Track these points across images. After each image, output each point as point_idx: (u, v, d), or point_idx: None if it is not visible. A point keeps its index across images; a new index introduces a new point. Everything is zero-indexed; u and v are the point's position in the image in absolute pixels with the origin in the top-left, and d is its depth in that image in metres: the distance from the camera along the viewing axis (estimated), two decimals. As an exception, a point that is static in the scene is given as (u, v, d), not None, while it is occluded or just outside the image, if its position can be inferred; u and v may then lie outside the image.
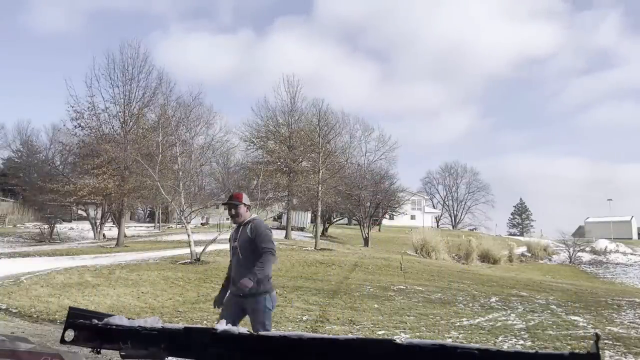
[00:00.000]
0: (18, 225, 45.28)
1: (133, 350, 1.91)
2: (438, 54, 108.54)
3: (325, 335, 1.90)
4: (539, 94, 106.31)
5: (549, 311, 10.09)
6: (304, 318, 8.54)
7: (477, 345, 1.53)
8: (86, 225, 41.05)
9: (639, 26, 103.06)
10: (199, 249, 17.18)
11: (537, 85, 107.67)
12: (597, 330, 7.91)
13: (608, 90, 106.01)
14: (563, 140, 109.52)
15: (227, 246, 18.52)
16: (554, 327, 8.31)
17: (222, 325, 1.93)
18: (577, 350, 1.57)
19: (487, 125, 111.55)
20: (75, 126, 28.75)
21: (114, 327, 1.90)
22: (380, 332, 7.50)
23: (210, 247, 18.01)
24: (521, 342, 7.05)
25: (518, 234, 72.08)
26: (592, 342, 1.29)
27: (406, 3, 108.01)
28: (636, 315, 9.87)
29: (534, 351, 1.56)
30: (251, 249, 4.27)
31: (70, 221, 48.16)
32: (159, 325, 1.92)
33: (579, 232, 57.89)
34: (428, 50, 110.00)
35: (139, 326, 1.88)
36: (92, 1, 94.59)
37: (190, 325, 1.90)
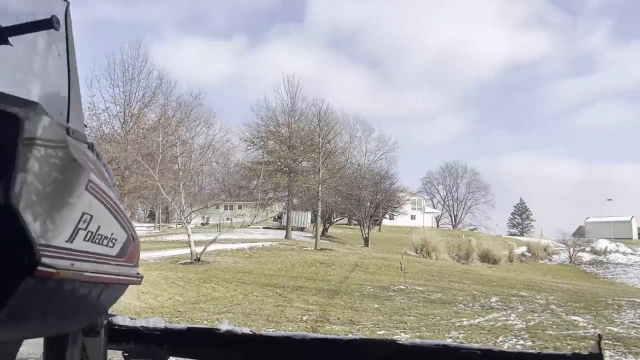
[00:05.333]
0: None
1: (136, 350, 1.96)
2: (432, 60, 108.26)
3: (329, 336, 1.93)
4: (532, 97, 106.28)
5: (549, 311, 10.09)
6: (304, 318, 8.54)
7: (479, 346, 1.56)
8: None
9: (627, 33, 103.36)
10: (199, 249, 17.19)
11: (530, 88, 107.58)
12: (598, 331, 7.92)
13: (599, 92, 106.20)
14: (558, 142, 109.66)
15: (227, 246, 18.56)
16: (554, 327, 8.31)
17: (224, 325, 1.95)
18: (578, 351, 1.61)
19: (484, 127, 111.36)
20: (75, 126, 28.81)
21: (117, 327, 1.96)
22: (380, 332, 7.50)
23: (211, 247, 18.02)
24: (521, 342, 7.05)
25: (518, 234, 71.96)
26: (594, 342, 1.30)
27: (399, 10, 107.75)
28: (636, 315, 9.88)
29: (536, 352, 1.58)
30: None
31: (71, 221, 48.09)
32: (162, 325, 1.98)
33: (579, 232, 57.80)
34: (423, 55, 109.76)
35: (141, 326, 1.96)
36: (87, 8, 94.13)
37: (192, 326, 1.98)
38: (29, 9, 1.39)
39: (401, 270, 14.75)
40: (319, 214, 31.31)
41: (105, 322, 1.87)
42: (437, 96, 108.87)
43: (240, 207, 47.55)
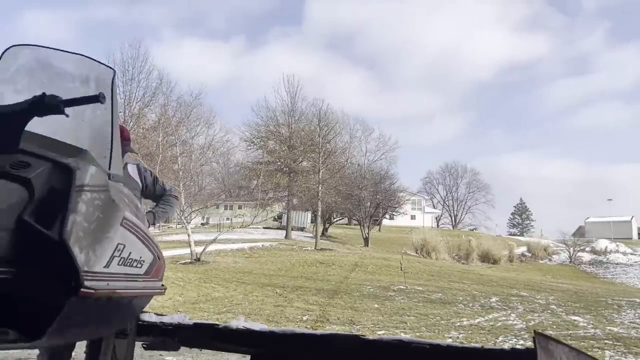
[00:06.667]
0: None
1: (154, 341, 2.41)
2: (431, 61, 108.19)
3: (299, 330, 2.20)
4: (531, 97, 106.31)
5: (549, 311, 10.10)
6: (304, 318, 8.55)
7: (429, 341, 1.76)
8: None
9: (623, 35, 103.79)
10: (199, 249, 17.19)
11: (529, 88, 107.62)
12: (598, 331, 7.92)
13: (598, 92, 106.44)
14: (557, 142, 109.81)
15: (227, 246, 18.55)
16: (554, 327, 8.31)
17: (239, 322, 2.27)
18: (517, 347, 1.91)
19: (483, 127, 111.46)
20: (75, 126, 28.74)
21: (140, 322, 2.39)
22: (380, 332, 7.50)
23: (211, 247, 18.03)
24: (521, 342, 7.06)
25: (518, 234, 71.88)
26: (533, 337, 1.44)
27: (398, 13, 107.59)
28: (636, 315, 9.88)
29: (480, 346, 1.81)
30: None
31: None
32: (176, 321, 2.40)
33: (579, 232, 57.78)
34: (421, 57, 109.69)
35: (160, 322, 2.39)
36: (85, 11, 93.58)
37: (198, 321, 2.39)
38: (84, 73, 1.75)
39: (401, 270, 14.75)
40: (319, 214, 31.29)
41: (134, 325, 2.29)
42: (437, 97, 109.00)
43: (240, 207, 47.54)
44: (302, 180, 31.66)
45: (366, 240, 35.38)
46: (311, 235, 33.97)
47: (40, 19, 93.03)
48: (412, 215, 63.69)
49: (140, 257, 1.80)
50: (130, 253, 1.70)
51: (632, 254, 40.32)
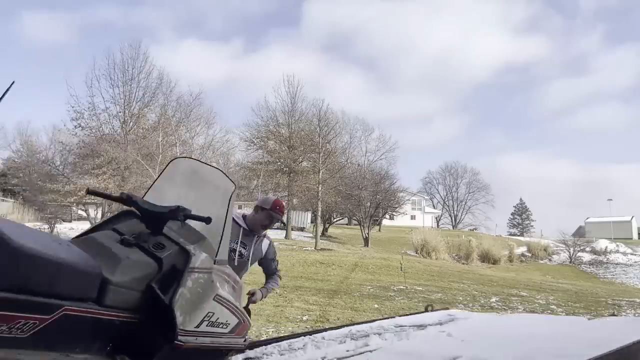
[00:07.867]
0: (18, 225, 45.05)
1: None
2: (430, 63, 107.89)
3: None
4: (532, 98, 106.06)
5: (549, 311, 10.10)
6: (304, 318, 8.55)
7: None
8: (86, 226, 40.74)
9: (620, 37, 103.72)
10: (199, 249, 17.18)
11: (529, 88, 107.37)
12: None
13: (597, 93, 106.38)
14: (558, 142, 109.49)
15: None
16: (554, 327, 8.31)
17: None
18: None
19: (484, 127, 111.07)
20: (75, 126, 28.67)
21: None
22: (380, 332, 7.50)
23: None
24: (521, 342, 7.05)
25: (518, 234, 71.75)
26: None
27: (397, 14, 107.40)
28: (636, 315, 9.89)
29: None
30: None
31: (71, 221, 48.02)
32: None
33: (579, 232, 57.70)
34: (420, 59, 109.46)
35: None
36: (84, 12, 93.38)
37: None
38: (217, 183, 2.42)
39: (401, 270, 14.76)
40: (319, 214, 31.29)
41: None
42: (437, 97, 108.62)
43: (240, 207, 47.58)
44: (302, 180, 31.65)
45: (366, 240, 35.35)
46: (311, 235, 33.96)
47: (40, 19, 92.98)
48: (412, 216, 63.64)
49: (227, 321, 2.26)
50: (218, 318, 2.17)
51: (632, 254, 40.28)
